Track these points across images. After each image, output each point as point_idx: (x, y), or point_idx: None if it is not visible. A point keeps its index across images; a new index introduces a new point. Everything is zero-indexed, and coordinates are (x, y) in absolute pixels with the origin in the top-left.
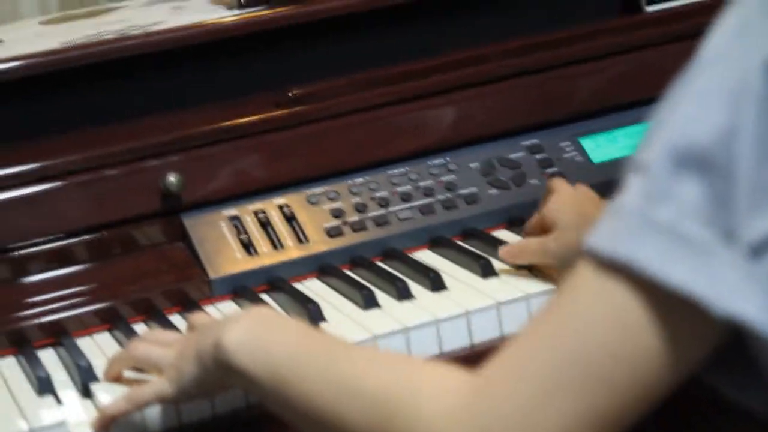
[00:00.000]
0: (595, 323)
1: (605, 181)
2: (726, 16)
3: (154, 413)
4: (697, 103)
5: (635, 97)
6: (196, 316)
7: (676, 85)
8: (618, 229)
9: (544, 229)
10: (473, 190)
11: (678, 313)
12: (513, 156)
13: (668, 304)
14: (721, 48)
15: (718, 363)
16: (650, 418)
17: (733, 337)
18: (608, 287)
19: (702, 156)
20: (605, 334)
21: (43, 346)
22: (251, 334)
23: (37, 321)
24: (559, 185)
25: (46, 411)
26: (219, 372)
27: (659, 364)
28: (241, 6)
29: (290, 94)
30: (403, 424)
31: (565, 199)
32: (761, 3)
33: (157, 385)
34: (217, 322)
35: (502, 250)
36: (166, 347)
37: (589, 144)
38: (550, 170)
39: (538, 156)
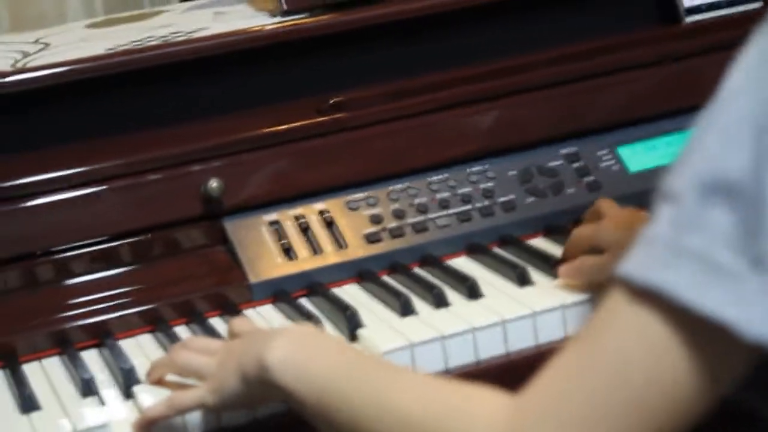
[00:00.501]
0: (631, 349)
1: (642, 191)
2: (747, 49)
3: (194, 416)
4: (724, 133)
5: (673, 107)
6: (237, 322)
7: (702, 115)
8: (650, 256)
9: (590, 245)
10: (511, 197)
11: (710, 338)
12: (551, 164)
13: (700, 330)
14: (744, 79)
15: (750, 382)
16: None
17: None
18: (642, 314)
19: (731, 185)
20: (641, 360)
21: (86, 347)
22: (295, 353)
23: (80, 322)
24: (609, 207)
25: (90, 411)
26: (261, 387)
27: (694, 388)
28: (283, 13)
29: (331, 101)
30: None
31: (619, 219)
32: None
33: (199, 393)
34: (260, 335)
35: (561, 272)
36: (209, 355)
37: (626, 153)
38: (587, 179)
39: (575, 164)
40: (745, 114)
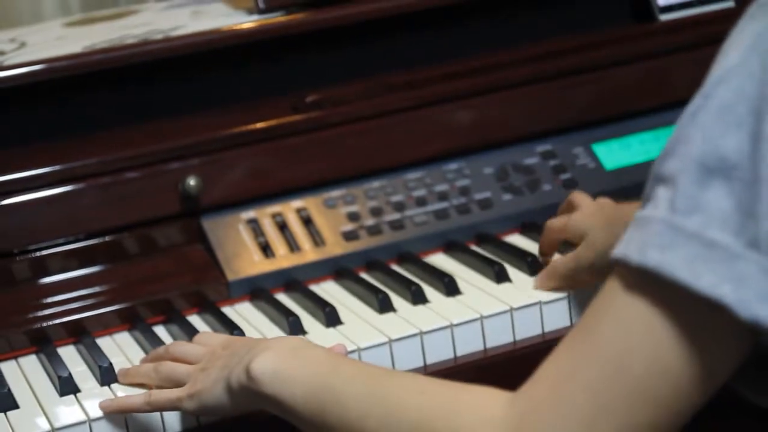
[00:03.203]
0: (628, 336)
1: (617, 188)
2: (740, 29)
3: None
4: (719, 114)
5: (648, 105)
6: (205, 336)
7: (694, 97)
8: (646, 238)
9: (562, 237)
10: (487, 195)
11: (707, 319)
12: (527, 162)
13: (697, 311)
14: (736, 61)
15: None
16: None
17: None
18: (637, 300)
19: (728, 165)
20: (639, 347)
21: (64, 345)
22: (283, 362)
23: (57, 320)
24: (581, 199)
25: (67, 410)
26: (248, 397)
27: (695, 373)
28: (260, 11)
29: (307, 99)
30: None
31: (589, 210)
32: None
33: (176, 395)
34: (244, 346)
35: (537, 281)
36: (190, 363)
37: (602, 150)
38: (563, 176)
39: (551, 162)
40: (740, 94)
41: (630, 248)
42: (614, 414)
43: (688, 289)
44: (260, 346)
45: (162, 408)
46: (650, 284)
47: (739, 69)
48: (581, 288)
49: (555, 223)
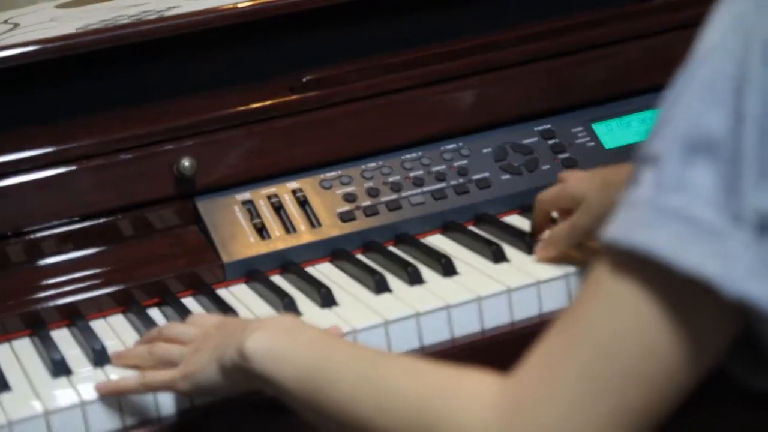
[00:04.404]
0: (620, 319)
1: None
2: (718, 13)
3: (165, 394)
4: (701, 93)
5: (647, 83)
6: (200, 317)
7: (676, 79)
8: (633, 218)
9: (557, 206)
10: (486, 175)
11: (696, 297)
12: (526, 141)
13: (684, 291)
14: (718, 40)
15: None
16: None
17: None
18: (628, 279)
19: (711, 143)
20: (630, 328)
21: (58, 328)
22: (276, 341)
23: (51, 303)
24: (572, 173)
25: (61, 392)
26: (240, 377)
27: (685, 354)
28: None
29: (304, 80)
30: None
31: (582, 176)
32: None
33: (170, 375)
34: (238, 325)
35: (536, 251)
36: (184, 343)
37: (601, 129)
38: (562, 156)
39: (550, 141)
40: (721, 73)
41: (616, 230)
42: (605, 396)
43: (675, 267)
44: (253, 326)
45: (156, 389)
46: (638, 265)
47: (720, 49)
48: (579, 264)
49: (547, 193)
